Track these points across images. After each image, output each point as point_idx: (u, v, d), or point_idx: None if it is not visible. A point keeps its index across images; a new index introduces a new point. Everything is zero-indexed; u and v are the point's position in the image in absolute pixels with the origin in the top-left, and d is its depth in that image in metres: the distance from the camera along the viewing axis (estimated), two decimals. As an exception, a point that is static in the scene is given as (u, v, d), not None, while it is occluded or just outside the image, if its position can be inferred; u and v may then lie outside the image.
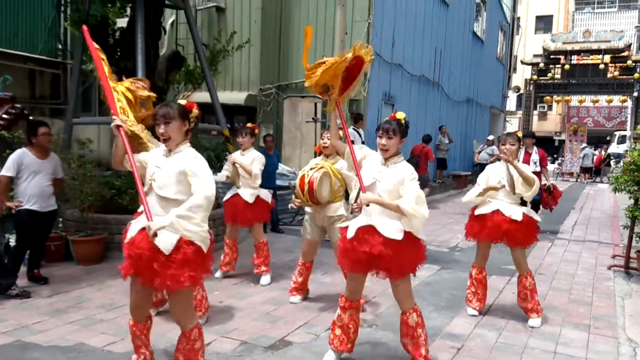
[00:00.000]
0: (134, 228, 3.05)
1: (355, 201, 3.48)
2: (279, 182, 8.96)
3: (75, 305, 4.80)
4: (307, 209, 4.85)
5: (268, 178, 8.18)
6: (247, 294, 5.33)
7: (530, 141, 8.86)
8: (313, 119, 10.75)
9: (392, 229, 3.34)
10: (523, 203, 4.73)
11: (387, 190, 3.38)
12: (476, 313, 4.83)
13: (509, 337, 4.36)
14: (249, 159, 5.63)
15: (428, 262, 6.67)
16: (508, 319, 4.78)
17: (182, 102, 3.34)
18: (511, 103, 32.41)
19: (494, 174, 4.78)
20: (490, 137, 16.50)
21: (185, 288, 2.91)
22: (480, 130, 20.52)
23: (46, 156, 5.35)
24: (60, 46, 10.70)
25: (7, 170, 5.10)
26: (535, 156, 8.67)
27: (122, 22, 8.23)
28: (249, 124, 5.95)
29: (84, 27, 3.50)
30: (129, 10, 8.18)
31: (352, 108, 10.93)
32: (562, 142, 30.84)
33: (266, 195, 5.80)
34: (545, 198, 8.31)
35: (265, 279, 5.69)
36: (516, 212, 4.58)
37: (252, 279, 5.77)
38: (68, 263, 6.16)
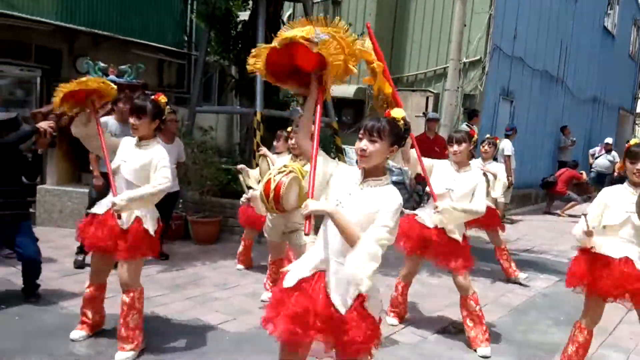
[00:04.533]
0: None
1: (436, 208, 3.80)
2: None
3: (192, 282, 5.08)
4: (268, 215, 4.38)
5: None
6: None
7: None
8: (424, 113, 10.48)
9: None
10: None
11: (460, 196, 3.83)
12: None
13: (640, 362, 3.94)
14: (282, 163, 5.04)
15: (546, 273, 6.29)
16: (637, 340, 4.33)
17: None
18: (643, 104, 29.41)
19: (616, 204, 3.24)
20: (609, 140, 13.74)
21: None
22: (606, 132, 18.82)
23: (172, 141, 5.70)
24: (186, 38, 11.36)
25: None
26: None
27: (244, 15, 8.56)
28: (288, 128, 5.15)
29: (368, 25, 4.05)
30: (251, 4, 8.47)
31: (465, 103, 10.51)
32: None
33: None
34: None
35: None
36: None
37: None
38: (187, 242, 6.55)
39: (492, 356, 3.86)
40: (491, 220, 5.71)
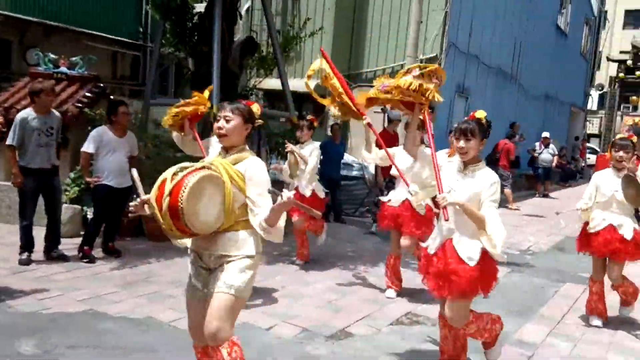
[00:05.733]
0: None
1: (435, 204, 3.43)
2: (343, 172, 8.88)
3: (145, 279, 4.96)
4: (179, 241, 2.65)
5: (333, 167, 8.14)
6: (310, 281, 5.31)
7: None
8: (382, 109, 10.56)
9: (470, 250, 3.10)
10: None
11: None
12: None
13: (585, 349, 4.07)
14: (307, 152, 5.67)
15: (498, 264, 6.43)
16: (584, 330, 4.48)
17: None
18: (593, 102, 30.55)
19: (605, 184, 4.35)
20: (546, 134, 14.42)
21: None
22: (558, 128, 19.50)
23: (124, 134, 5.55)
24: (141, 29, 11.09)
25: (88, 147, 5.34)
26: None
27: (200, 7, 8.39)
28: (309, 117, 6.02)
29: (322, 50, 4.30)
30: (207, -5, 8.32)
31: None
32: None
33: (320, 189, 5.82)
34: None
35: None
36: (628, 230, 4.27)
37: (317, 266, 5.75)
38: (140, 238, 6.39)
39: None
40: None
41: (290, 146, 5.60)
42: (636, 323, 4.69)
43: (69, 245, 5.63)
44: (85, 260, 5.27)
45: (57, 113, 5.45)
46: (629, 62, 23.34)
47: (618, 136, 4.56)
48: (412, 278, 5.65)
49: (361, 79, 11.55)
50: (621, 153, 4.25)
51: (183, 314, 4.14)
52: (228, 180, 2.50)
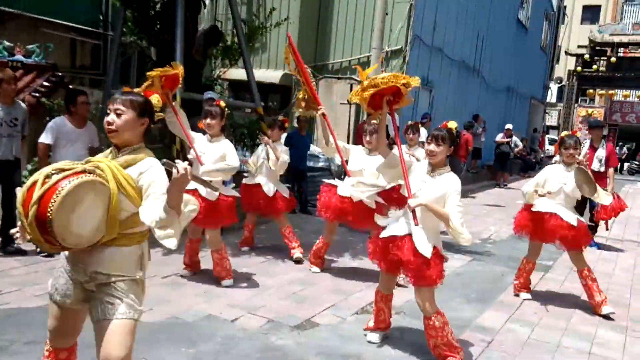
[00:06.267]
0: None
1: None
2: (310, 164, 8.90)
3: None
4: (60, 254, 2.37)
5: (299, 159, 8.14)
6: (275, 272, 5.32)
7: (597, 133, 7.54)
8: (348, 101, 10.61)
9: (425, 243, 3.44)
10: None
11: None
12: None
13: (542, 334, 4.22)
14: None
15: (460, 253, 6.61)
16: (541, 315, 4.64)
17: None
18: (552, 95, 31.45)
19: (553, 178, 4.74)
20: (509, 126, 14.82)
21: None
22: (518, 120, 20.00)
23: (84, 125, 5.39)
24: (101, 17, 10.79)
25: (46, 138, 5.17)
26: (601, 152, 7.31)
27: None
28: (280, 117, 6.14)
29: (289, 35, 4.63)
30: (170, -17, 8.15)
31: (388, 92, 10.73)
32: (604, 136, 29.82)
33: (284, 189, 5.89)
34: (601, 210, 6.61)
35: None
36: (572, 218, 4.67)
37: (282, 258, 5.76)
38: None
39: (409, 333, 4.01)
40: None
41: (265, 139, 5.77)
42: (590, 309, 4.89)
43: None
44: (43, 255, 5.13)
45: (23, 105, 5.28)
46: (586, 56, 24.03)
47: (564, 134, 4.96)
48: (375, 267, 5.72)
49: (327, 70, 11.56)
50: (571, 150, 4.70)
51: (144, 307, 4.09)
52: (115, 188, 2.13)
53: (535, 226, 4.80)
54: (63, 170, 2.05)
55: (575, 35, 35.30)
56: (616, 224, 9.84)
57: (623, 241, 8.56)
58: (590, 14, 38.68)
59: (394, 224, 3.57)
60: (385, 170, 3.69)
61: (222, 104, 4.77)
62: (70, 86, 7.13)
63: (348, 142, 9.55)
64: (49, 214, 1.92)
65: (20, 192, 2.03)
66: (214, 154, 4.59)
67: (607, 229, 7.72)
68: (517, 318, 4.54)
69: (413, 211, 3.30)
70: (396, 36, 10.75)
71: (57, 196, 1.93)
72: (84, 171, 2.07)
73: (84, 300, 2.30)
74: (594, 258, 7.05)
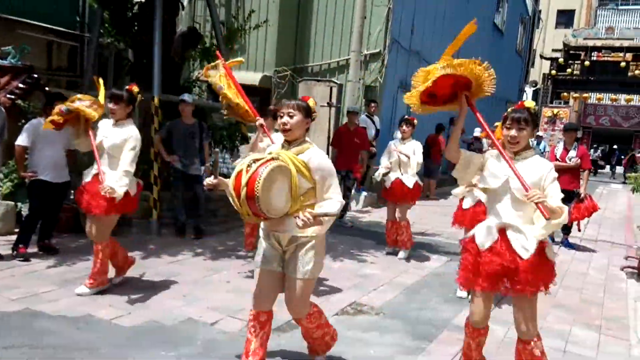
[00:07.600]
0: None
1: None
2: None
3: (84, 276, 4.78)
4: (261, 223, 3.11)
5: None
6: (254, 275, 5.30)
7: (571, 135, 7.59)
8: (328, 103, 10.66)
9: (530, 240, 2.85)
10: None
11: (518, 189, 2.81)
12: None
13: (518, 332, 4.30)
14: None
15: (438, 254, 6.70)
16: (517, 314, 4.73)
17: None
18: (527, 98, 31.95)
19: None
20: (477, 134, 14.88)
21: None
22: (494, 123, 20.30)
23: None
24: (78, 18, 10.63)
25: (23, 140, 5.10)
26: (572, 153, 7.48)
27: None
28: (270, 107, 5.91)
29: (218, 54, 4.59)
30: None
31: (367, 94, 10.83)
32: (578, 139, 30.47)
33: None
34: (574, 211, 7.15)
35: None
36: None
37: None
38: (78, 235, 6.16)
39: (388, 334, 4.05)
40: (415, 194, 6.36)
41: (260, 120, 5.55)
42: (566, 308, 5.00)
43: (2, 242, 5.40)
44: (20, 259, 5.05)
45: (2, 109, 5.19)
46: (561, 60, 24.54)
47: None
48: (356, 269, 5.78)
49: (307, 72, 11.59)
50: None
51: (123, 311, 4.09)
52: (294, 170, 2.82)
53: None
54: (258, 160, 2.73)
55: (550, 39, 36.00)
56: (590, 225, 10.08)
57: (597, 241, 8.76)
58: (565, 18, 39.54)
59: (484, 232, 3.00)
60: (460, 175, 3.16)
61: (135, 89, 4.48)
62: (47, 88, 7.02)
63: (328, 144, 9.60)
64: (256, 193, 2.60)
65: (229, 181, 2.76)
66: (115, 137, 4.33)
67: (579, 230, 7.92)
68: (494, 317, 4.57)
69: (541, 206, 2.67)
70: (375, 39, 10.84)
71: (260, 178, 2.60)
72: (272, 159, 2.74)
73: (281, 262, 3.08)
74: (568, 258, 7.21)
